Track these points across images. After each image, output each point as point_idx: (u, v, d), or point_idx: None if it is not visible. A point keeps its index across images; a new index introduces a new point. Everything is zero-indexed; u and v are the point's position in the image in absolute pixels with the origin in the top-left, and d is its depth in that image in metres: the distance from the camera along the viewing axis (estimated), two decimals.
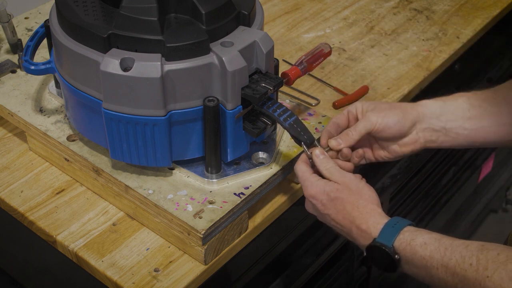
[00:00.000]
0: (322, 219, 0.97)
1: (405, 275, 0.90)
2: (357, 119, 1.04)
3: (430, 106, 1.04)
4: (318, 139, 1.02)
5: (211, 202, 0.99)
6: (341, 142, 1.01)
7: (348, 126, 1.04)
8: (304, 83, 1.33)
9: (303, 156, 1.00)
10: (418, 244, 0.86)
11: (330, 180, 0.95)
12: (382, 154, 1.06)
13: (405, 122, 1.02)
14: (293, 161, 1.07)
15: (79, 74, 0.99)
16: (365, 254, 0.92)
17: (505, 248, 0.81)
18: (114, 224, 1.05)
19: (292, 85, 1.19)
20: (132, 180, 1.02)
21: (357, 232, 0.92)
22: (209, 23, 0.96)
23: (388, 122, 1.02)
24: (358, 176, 0.97)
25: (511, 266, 0.78)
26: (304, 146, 0.99)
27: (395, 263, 0.88)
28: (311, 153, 0.98)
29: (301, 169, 0.98)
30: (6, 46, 1.33)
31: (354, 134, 1.01)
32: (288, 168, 1.07)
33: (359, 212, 0.92)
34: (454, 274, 0.83)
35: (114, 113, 0.96)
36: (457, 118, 1.03)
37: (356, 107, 1.04)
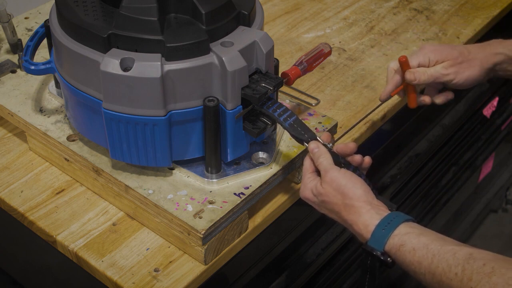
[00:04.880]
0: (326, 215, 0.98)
1: (405, 275, 0.90)
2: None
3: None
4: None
5: (211, 202, 0.99)
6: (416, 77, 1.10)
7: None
8: (304, 83, 1.33)
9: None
10: (407, 250, 0.87)
11: (320, 180, 0.95)
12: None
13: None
14: (293, 161, 1.07)
15: (79, 74, 0.99)
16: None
17: (492, 258, 0.80)
18: (114, 224, 1.05)
19: (292, 85, 1.19)
20: (132, 180, 1.02)
21: (353, 230, 0.93)
22: (209, 23, 0.96)
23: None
24: (349, 171, 0.96)
25: (495, 279, 0.77)
26: (306, 145, 0.98)
27: (389, 264, 0.89)
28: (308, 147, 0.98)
29: (304, 166, 0.99)
30: (6, 46, 1.33)
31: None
32: (288, 168, 1.07)
33: (347, 212, 0.92)
34: (440, 282, 0.83)
35: (114, 113, 0.96)
36: None
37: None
